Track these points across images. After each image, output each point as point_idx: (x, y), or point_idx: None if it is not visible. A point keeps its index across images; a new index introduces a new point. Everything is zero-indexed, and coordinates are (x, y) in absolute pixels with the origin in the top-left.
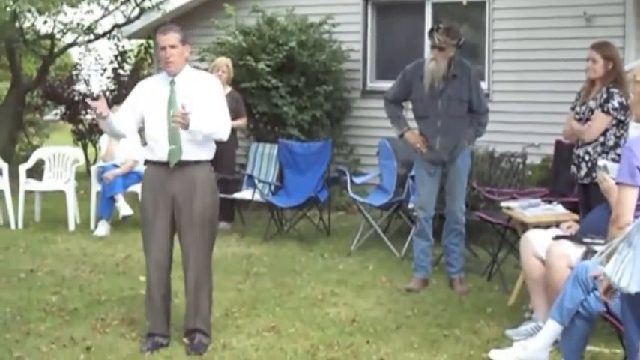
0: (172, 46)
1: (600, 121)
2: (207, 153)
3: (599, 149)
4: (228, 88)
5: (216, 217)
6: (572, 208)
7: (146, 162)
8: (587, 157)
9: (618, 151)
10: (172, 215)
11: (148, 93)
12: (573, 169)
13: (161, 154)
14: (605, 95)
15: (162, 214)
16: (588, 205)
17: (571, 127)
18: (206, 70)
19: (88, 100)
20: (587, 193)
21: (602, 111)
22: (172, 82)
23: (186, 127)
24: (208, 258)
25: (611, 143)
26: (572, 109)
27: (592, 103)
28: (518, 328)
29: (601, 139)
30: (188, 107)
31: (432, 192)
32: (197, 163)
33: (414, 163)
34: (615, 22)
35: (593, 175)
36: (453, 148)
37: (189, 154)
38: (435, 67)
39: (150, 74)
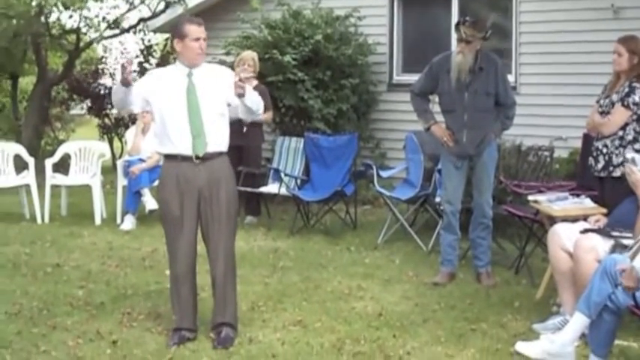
0: (205, 39)
1: (620, 115)
2: (226, 145)
3: (617, 143)
4: (255, 82)
5: (237, 210)
6: (600, 201)
7: (166, 156)
8: (605, 150)
9: (637, 146)
10: (199, 209)
11: (164, 84)
12: (591, 160)
13: (183, 146)
14: (627, 89)
15: (189, 209)
16: (604, 198)
17: (592, 119)
18: (232, 63)
19: (124, 62)
20: (603, 186)
21: (623, 105)
22: (190, 74)
23: (242, 94)
24: (234, 249)
25: (630, 137)
26: (598, 101)
27: (614, 97)
28: (546, 322)
29: (620, 133)
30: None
31: (458, 186)
32: (220, 154)
33: (441, 157)
34: None
35: (610, 168)
36: (479, 142)
37: (213, 145)
38: (462, 60)
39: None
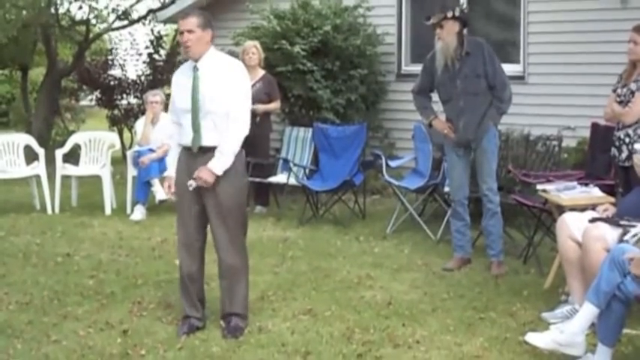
0: (189, 31)
1: None
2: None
3: (639, 132)
4: (262, 72)
5: (245, 201)
6: (608, 190)
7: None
8: (627, 140)
9: None
10: (201, 199)
11: (177, 82)
12: (614, 151)
13: (187, 139)
14: None
15: (189, 197)
16: (629, 187)
17: (612, 109)
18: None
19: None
20: (627, 176)
21: None
22: (195, 69)
23: (215, 176)
24: (241, 242)
25: None
26: (614, 90)
27: (633, 86)
28: (555, 311)
29: None
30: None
31: (462, 174)
32: None
33: (445, 147)
34: None
35: None
36: (476, 127)
37: (211, 140)
38: (443, 46)
39: (185, 59)
